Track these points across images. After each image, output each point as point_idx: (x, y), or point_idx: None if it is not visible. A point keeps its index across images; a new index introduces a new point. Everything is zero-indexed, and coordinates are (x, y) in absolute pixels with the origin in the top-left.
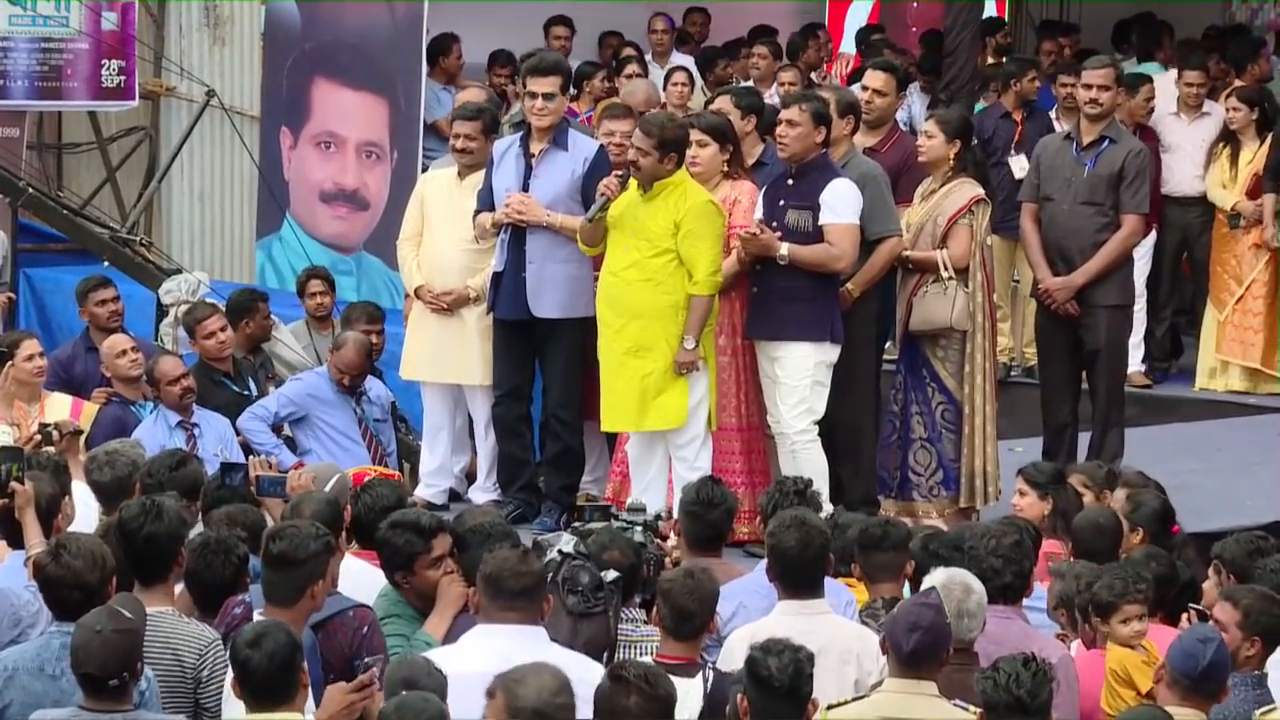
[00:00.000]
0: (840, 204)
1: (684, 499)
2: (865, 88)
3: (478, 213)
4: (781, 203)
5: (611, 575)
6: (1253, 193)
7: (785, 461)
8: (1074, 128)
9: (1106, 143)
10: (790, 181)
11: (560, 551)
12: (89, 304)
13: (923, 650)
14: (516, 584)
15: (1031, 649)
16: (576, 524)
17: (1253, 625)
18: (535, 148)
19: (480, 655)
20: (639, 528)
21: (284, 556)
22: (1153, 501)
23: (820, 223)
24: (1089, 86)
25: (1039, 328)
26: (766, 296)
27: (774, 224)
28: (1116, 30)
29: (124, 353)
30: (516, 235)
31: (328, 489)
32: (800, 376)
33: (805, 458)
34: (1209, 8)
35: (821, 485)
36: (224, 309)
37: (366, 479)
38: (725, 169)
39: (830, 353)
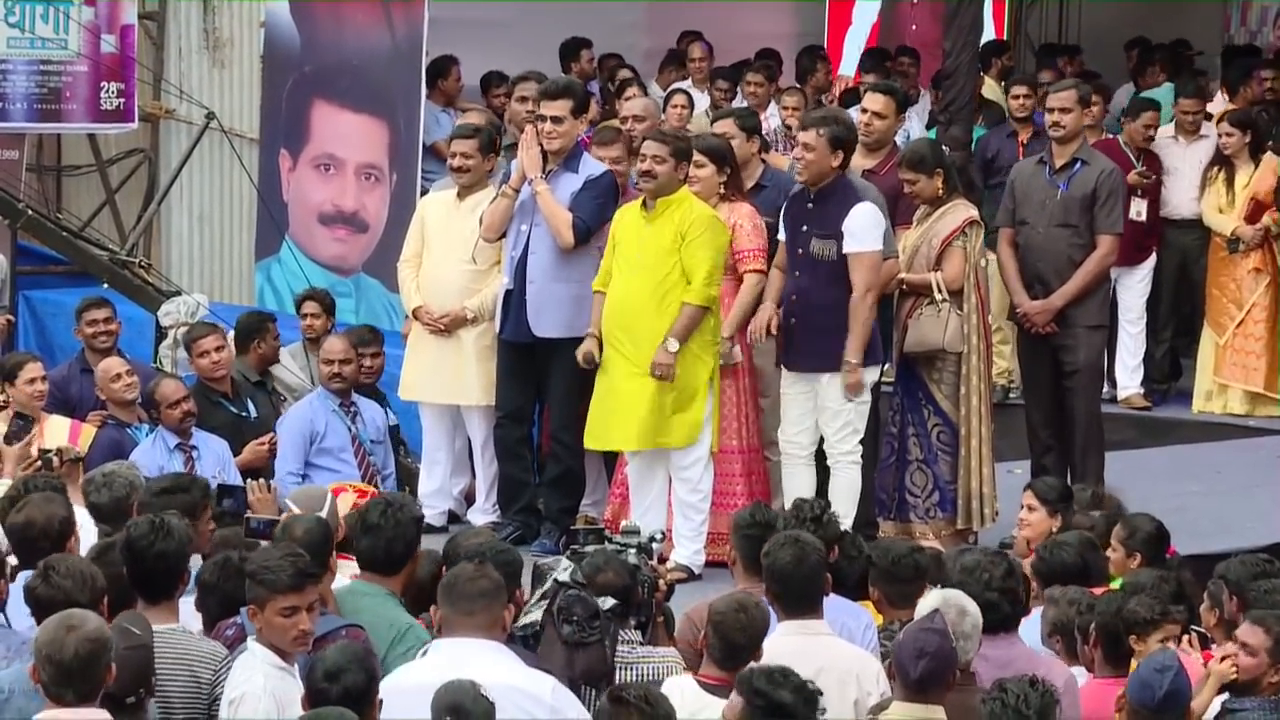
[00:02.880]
0: (863, 231)
1: (739, 522)
2: (864, 110)
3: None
4: (805, 228)
5: (609, 604)
6: (1251, 217)
7: (794, 480)
8: (1046, 151)
9: (1079, 165)
10: (810, 205)
11: (556, 580)
12: (81, 324)
13: (930, 676)
14: (473, 588)
15: (1038, 671)
16: (573, 546)
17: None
18: (547, 169)
19: (437, 668)
20: (633, 550)
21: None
22: (1148, 525)
23: (845, 251)
24: (1051, 110)
25: (1021, 351)
26: (806, 331)
27: (799, 250)
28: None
29: (118, 376)
30: (522, 255)
31: (323, 513)
32: (844, 400)
33: (847, 476)
34: (1208, 30)
35: (853, 503)
36: (228, 330)
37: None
38: (722, 190)
39: (873, 374)
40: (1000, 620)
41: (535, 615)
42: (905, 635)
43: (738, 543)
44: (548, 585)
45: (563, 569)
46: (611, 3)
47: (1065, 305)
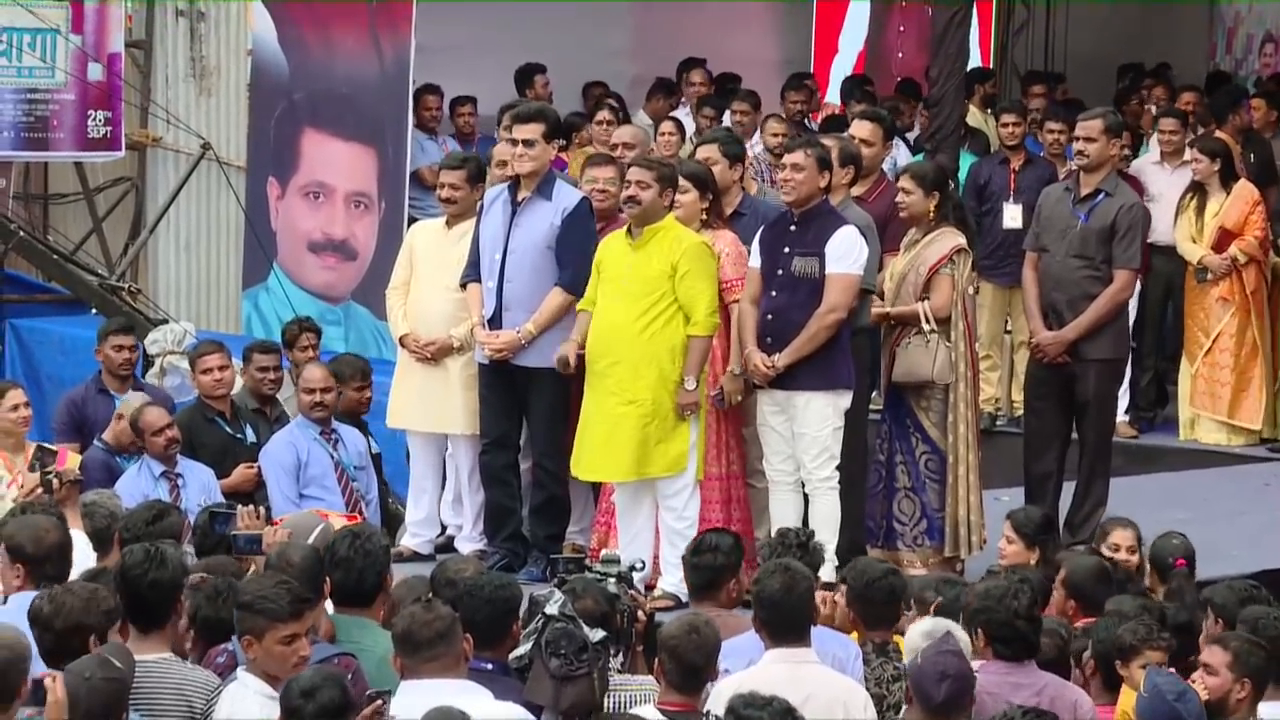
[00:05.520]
0: (844, 253)
1: (686, 553)
2: (852, 137)
3: (471, 263)
4: (786, 249)
5: (598, 636)
6: (1219, 246)
7: (781, 508)
8: (1074, 179)
9: (1102, 196)
10: (794, 227)
11: (544, 614)
12: (106, 346)
13: (953, 697)
14: (429, 631)
15: (1066, 698)
16: (557, 575)
17: (1242, 667)
18: (520, 195)
19: (412, 711)
20: (613, 579)
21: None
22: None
23: (826, 272)
24: (1076, 138)
25: (1030, 376)
26: (780, 349)
27: (778, 270)
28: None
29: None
30: (498, 283)
31: (312, 539)
32: (820, 427)
33: (826, 502)
34: (1193, 57)
35: (834, 530)
36: (233, 353)
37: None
38: (704, 217)
39: (845, 399)
40: (1027, 648)
41: (525, 648)
42: (924, 659)
43: (686, 572)
44: (536, 618)
45: (553, 602)
46: (599, 29)
47: (1077, 338)
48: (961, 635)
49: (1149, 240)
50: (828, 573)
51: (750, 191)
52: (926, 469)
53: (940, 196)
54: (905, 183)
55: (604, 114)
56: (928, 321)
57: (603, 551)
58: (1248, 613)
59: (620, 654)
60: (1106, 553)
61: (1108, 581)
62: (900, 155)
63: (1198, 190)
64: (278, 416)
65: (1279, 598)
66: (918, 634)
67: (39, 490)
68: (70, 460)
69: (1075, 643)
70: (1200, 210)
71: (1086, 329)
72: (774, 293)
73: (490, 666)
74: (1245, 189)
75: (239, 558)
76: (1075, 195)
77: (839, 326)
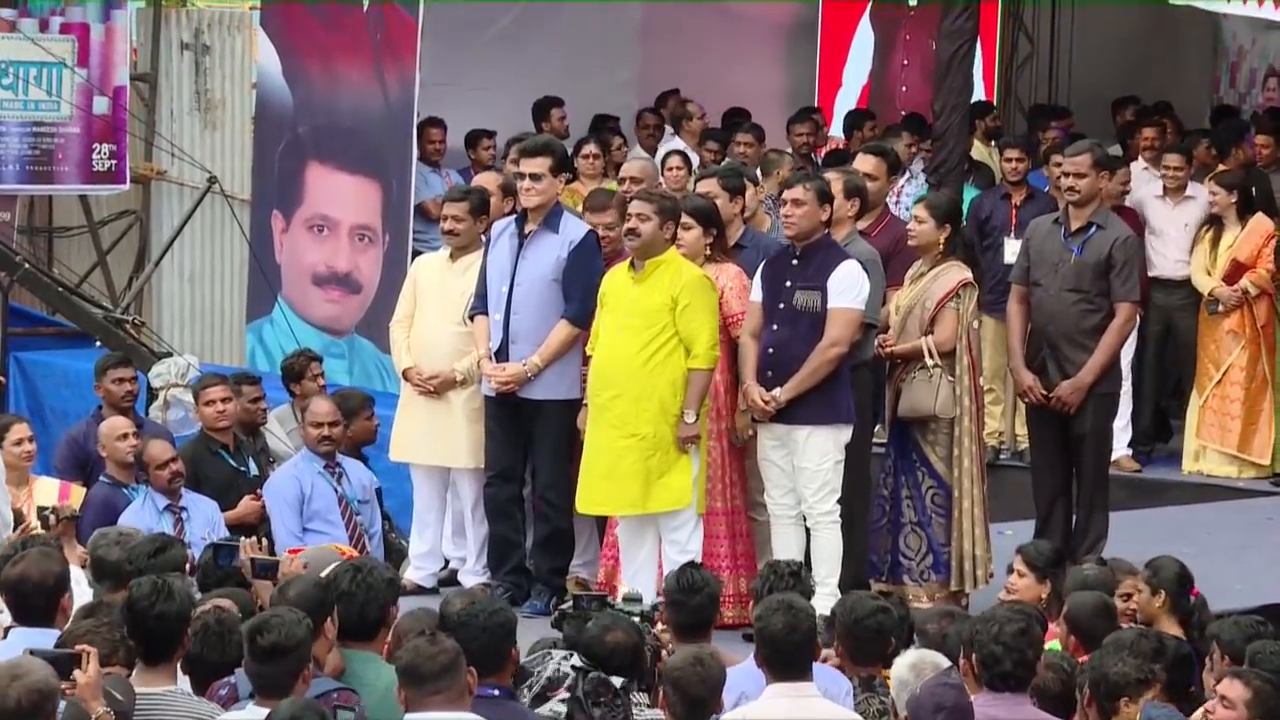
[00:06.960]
0: (846, 287)
1: (666, 587)
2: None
3: (478, 296)
4: (788, 283)
5: (619, 682)
6: (1230, 278)
7: (783, 541)
8: (1063, 213)
9: (1094, 229)
10: (795, 261)
11: (574, 667)
12: (106, 380)
13: None
14: (434, 665)
15: None
16: (564, 607)
17: (1260, 706)
18: (528, 228)
19: None
20: (636, 618)
21: (276, 648)
22: (1173, 565)
23: (828, 306)
24: (1066, 174)
25: (1029, 411)
26: (781, 383)
27: (779, 304)
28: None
29: (124, 436)
30: (505, 315)
31: (325, 573)
32: (821, 461)
33: (828, 536)
34: (1198, 91)
35: (836, 564)
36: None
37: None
38: (709, 252)
39: (846, 433)
40: (1002, 676)
41: (558, 706)
42: (922, 691)
43: (666, 608)
44: (555, 671)
45: (561, 659)
46: (605, 63)
47: (1095, 380)
48: (947, 667)
49: (1149, 274)
50: (826, 605)
51: (764, 228)
52: (932, 503)
53: (951, 230)
54: (919, 211)
55: (590, 148)
56: (931, 356)
57: (624, 590)
58: (1250, 647)
59: (646, 691)
60: (1120, 603)
61: (1110, 618)
62: (906, 190)
63: (1215, 223)
64: (261, 448)
65: None
66: (904, 666)
67: (34, 523)
68: (74, 496)
69: (1080, 677)
70: (1216, 242)
71: (1101, 369)
72: (775, 327)
73: (497, 692)
74: (1261, 223)
75: (251, 588)
76: (1066, 229)
77: (840, 361)
